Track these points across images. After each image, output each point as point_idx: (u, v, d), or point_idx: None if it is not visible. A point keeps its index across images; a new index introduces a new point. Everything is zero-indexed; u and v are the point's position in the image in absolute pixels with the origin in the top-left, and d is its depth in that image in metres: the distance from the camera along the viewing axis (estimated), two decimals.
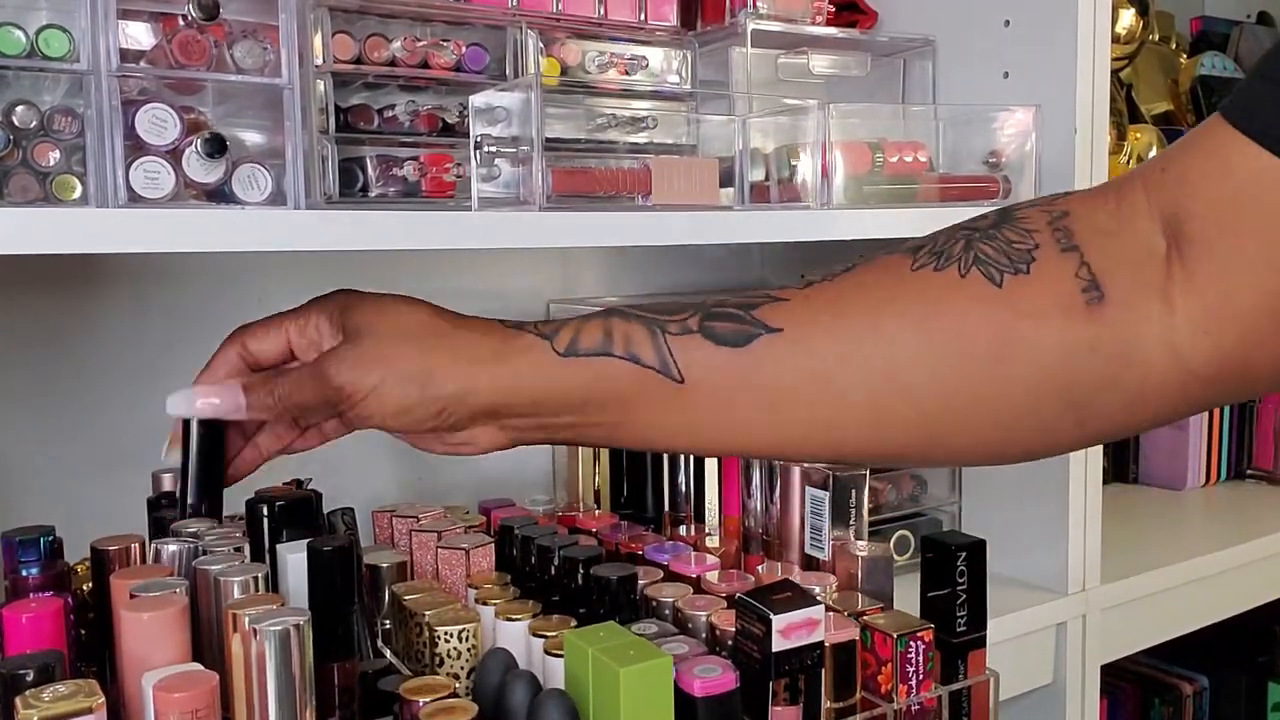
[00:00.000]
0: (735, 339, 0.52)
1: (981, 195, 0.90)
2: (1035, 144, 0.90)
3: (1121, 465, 1.37)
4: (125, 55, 0.59)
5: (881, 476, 1.01)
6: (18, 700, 0.44)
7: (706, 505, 0.87)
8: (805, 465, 0.78)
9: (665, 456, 0.90)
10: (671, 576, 0.71)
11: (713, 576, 0.70)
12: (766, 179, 0.84)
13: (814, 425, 0.52)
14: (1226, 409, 1.35)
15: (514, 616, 0.63)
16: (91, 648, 0.60)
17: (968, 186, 0.90)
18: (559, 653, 0.58)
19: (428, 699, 0.54)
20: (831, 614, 0.62)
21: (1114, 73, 1.09)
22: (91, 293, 0.91)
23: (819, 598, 0.62)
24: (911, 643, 0.62)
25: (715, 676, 0.55)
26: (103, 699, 0.45)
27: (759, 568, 0.79)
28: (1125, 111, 1.21)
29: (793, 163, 0.83)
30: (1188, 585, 1.06)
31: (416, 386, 0.53)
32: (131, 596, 0.51)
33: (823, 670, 0.59)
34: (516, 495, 0.93)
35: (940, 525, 1.03)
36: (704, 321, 0.53)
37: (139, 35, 0.63)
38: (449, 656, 0.62)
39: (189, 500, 0.59)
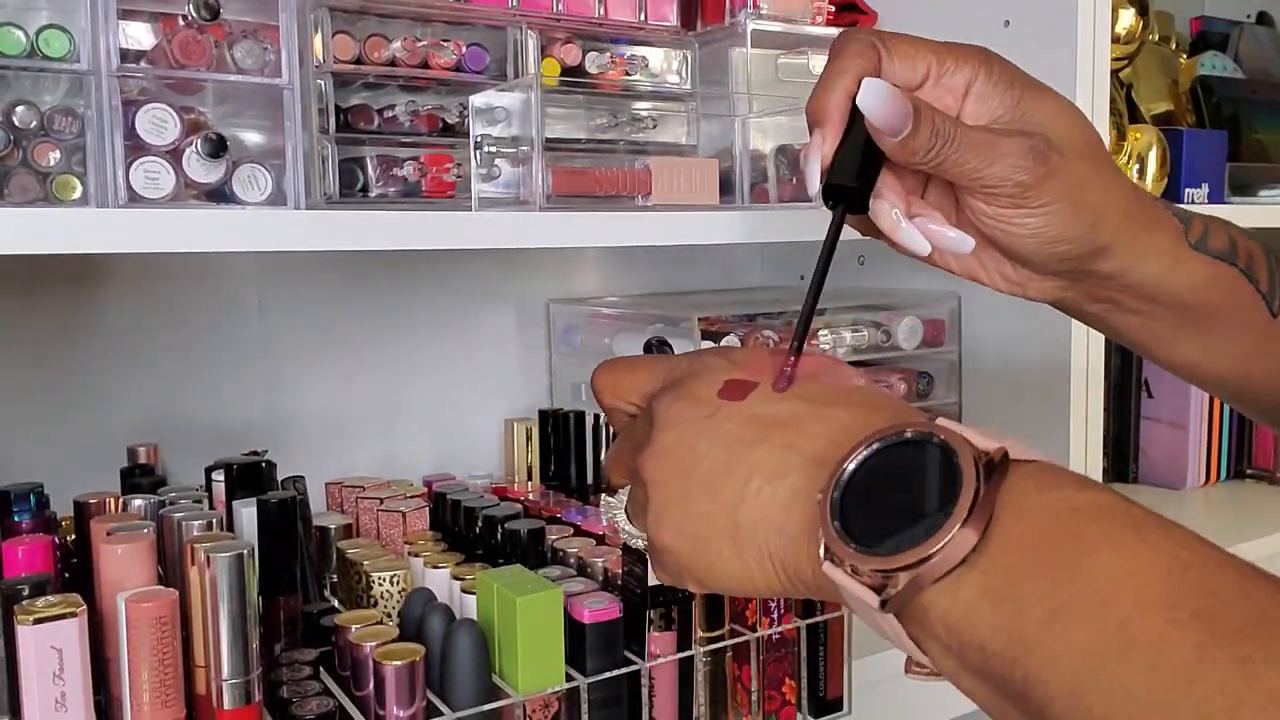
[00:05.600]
0: None
1: None
2: None
3: (1121, 464, 1.37)
4: (125, 55, 0.60)
5: None
6: (16, 608, 0.53)
7: None
8: None
9: (589, 435, 0.97)
10: (581, 534, 0.79)
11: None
12: (766, 179, 0.84)
13: None
14: (1227, 408, 1.34)
15: (440, 564, 0.72)
16: (74, 585, 0.66)
17: None
18: (473, 591, 0.67)
19: (359, 624, 0.62)
20: None
21: (1114, 73, 1.08)
22: (91, 293, 0.91)
23: None
24: None
25: (602, 607, 0.64)
26: (85, 607, 0.54)
27: None
28: (1125, 111, 1.21)
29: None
30: None
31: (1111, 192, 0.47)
32: (109, 534, 0.60)
33: (693, 603, 0.68)
34: (462, 475, 1.01)
35: None
36: None
37: (139, 35, 0.63)
38: (382, 598, 0.70)
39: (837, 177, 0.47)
